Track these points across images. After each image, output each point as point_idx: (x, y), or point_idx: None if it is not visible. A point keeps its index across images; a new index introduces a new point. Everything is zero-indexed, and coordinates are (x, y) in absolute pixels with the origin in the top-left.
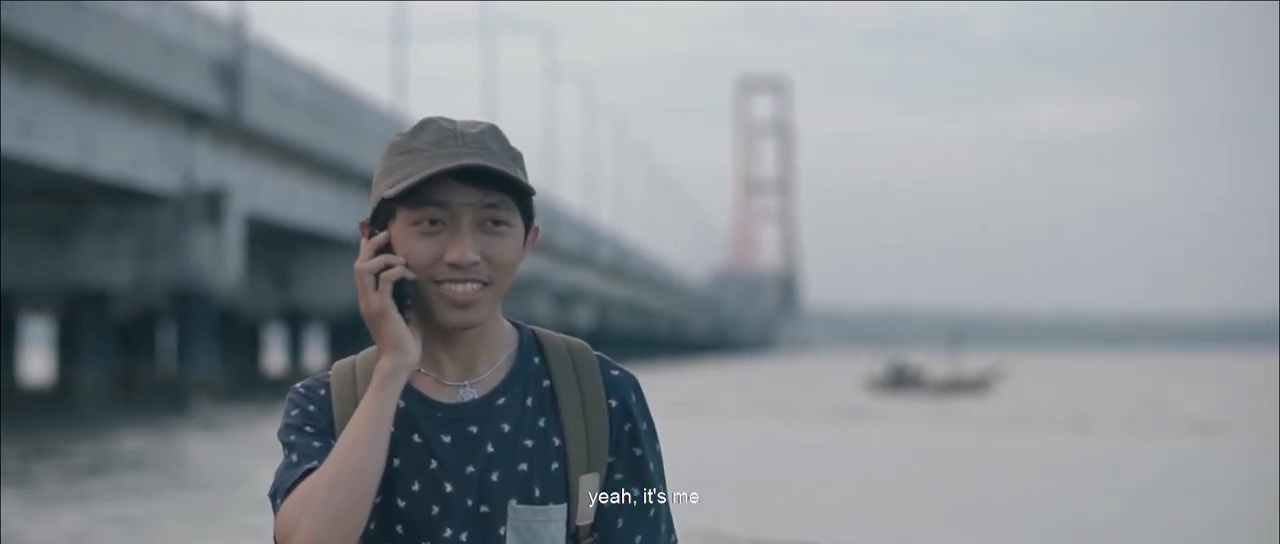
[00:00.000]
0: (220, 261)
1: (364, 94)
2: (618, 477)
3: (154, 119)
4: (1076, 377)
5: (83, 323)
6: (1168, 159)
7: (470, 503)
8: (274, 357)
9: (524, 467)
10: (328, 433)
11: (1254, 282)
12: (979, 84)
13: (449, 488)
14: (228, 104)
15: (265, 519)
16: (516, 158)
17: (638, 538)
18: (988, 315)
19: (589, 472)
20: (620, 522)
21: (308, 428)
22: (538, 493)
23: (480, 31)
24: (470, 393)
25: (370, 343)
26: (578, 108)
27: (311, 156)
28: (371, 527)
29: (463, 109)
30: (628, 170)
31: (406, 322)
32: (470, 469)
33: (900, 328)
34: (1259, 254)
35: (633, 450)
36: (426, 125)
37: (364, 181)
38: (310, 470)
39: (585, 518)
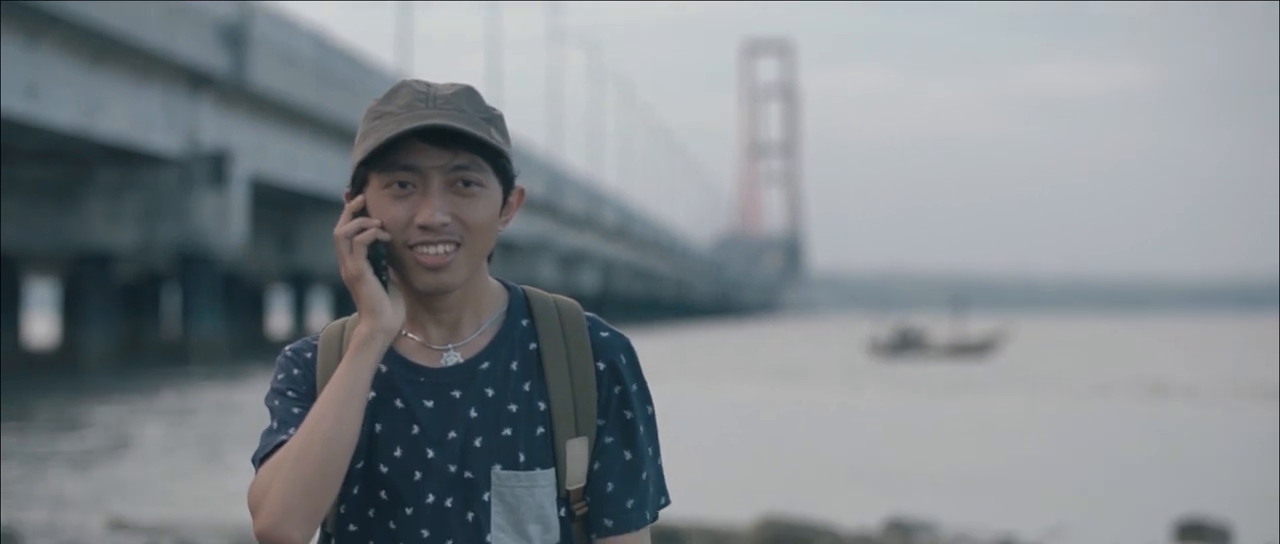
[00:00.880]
0: (224, 224)
1: (369, 56)
2: (608, 440)
3: (158, 81)
4: (1080, 340)
5: (87, 285)
6: (1173, 121)
7: (453, 469)
8: (278, 319)
9: (508, 432)
10: (309, 397)
11: (1260, 244)
12: (983, 47)
13: (431, 454)
14: (232, 66)
15: None
16: (493, 119)
17: (629, 502)
18: (992, 278)
19: (577, 436)
20: (611, 485)
21: (290, 392)
22: (523, 458)
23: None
24: (454, 357)
25: None
26: (583, 71)
27: (316, 119)
28: (355, 492)
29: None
30: (633, 134)
31: (385, 285)
32: (452, 434)
33: (904, 291)
34: (1265, 216)
35: (623, 413)
36: (400, 89)
37: None
38: (287, 439)
39: (575, 482)
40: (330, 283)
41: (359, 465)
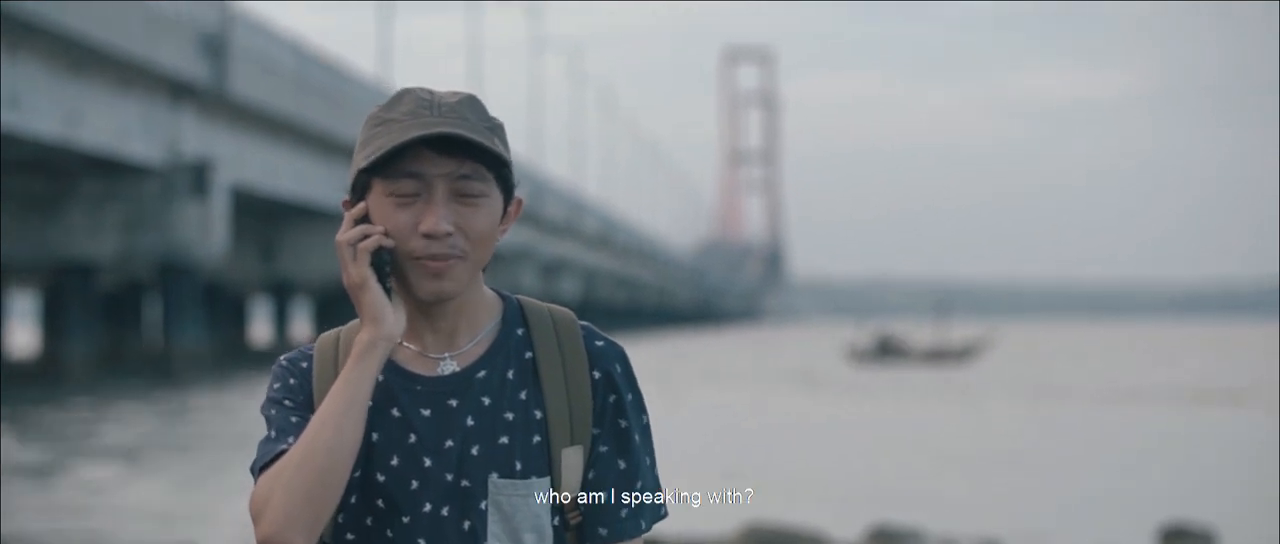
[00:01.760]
0: (206, 233)
1: (349, 65)
2: (603, 449)
3: (139, 91)
4: (1064, 346)
5: (68, 296)
6: (1160, 128)
7: (450, 477)
8: (260, 328)
9: (504, 440)
10: (306, 407)
11: (1247, 251)
12: (968, 52)
13: (428, 462)
14: (213, 76)
15: None
16: (495, 128)
17: (623, 511)
18: (977, 285)
19: (572, 445)
20: (605, 495)
21: (287, 402)
22: (519, 467)
23: (466, 2)
24: (450, 366)
25: (355, 315)
26: (564, 79)
27: (297, 128)
28: (352, 500)
29: (448, 80)
30: (614, 141)
31: (388, 292)
32: (449, 443)
33: (887, 297)
34: (1254, 223)
35: (618, 422)
36: (404, 96)
37: (349, 153)
38: (287, 448)
39: (570, 491)
40: (312, 292)
41: (356, 474)
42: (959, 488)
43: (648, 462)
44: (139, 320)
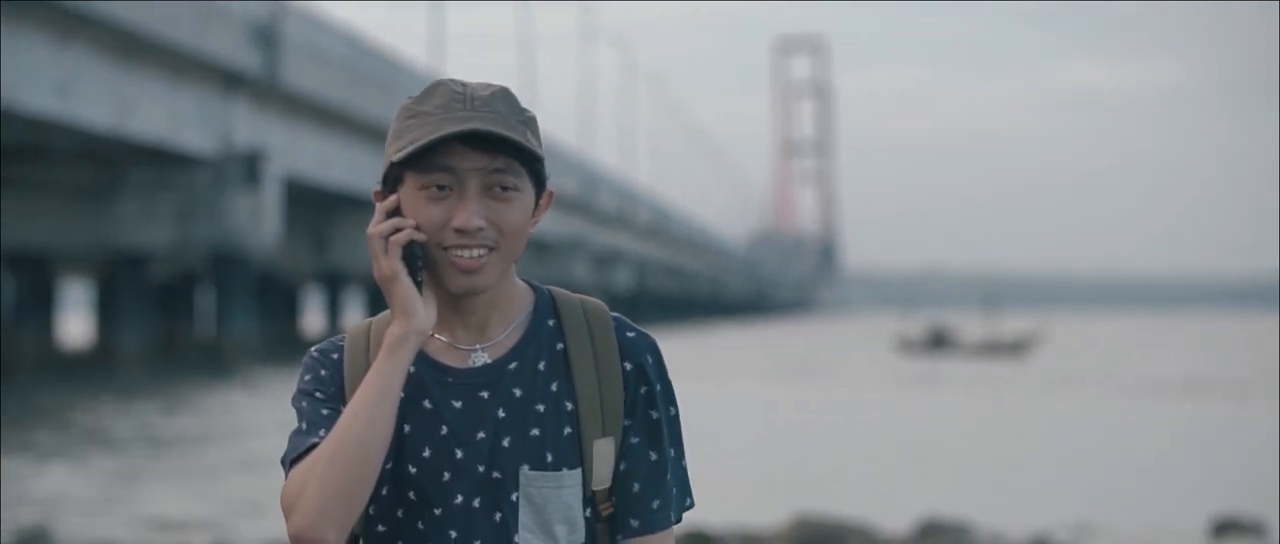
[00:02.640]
0: (258, 224)
1: (400, 55)
2: (634, 440)
3: (191, 81)
4: (1117, 339)
5: (122, 286)
6: (1210, 118)
7: (481, 469)
8: (313, 318)
9: (536, 432)
10: (337, 398)
11: None
12: (1015, 45)
13: (459, 454)
14: (265, 66)
15: None
16: (528, 122)
17: (655, 502)
18: (1027, 276)
19: (604, 436)
20: (636, 486)
21: (318, 393)
22: (550, 458)
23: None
24: (482, 357)
25: None
26: (615, 69)
27: (349, 118)
28: (384, 492)
29: (499, 71)
30: (665, 132)
31: (419, 285)
32: (481, 435)
33: (938, 289)
34: None
35: (649, 413)
36: (437, 88)
37: None
38: (318, 441)
39: (601, 483)
40: (364, 282)
41: (387, 466)
42: (1010, 480)
43: (675, 453)
44: (191, 311)
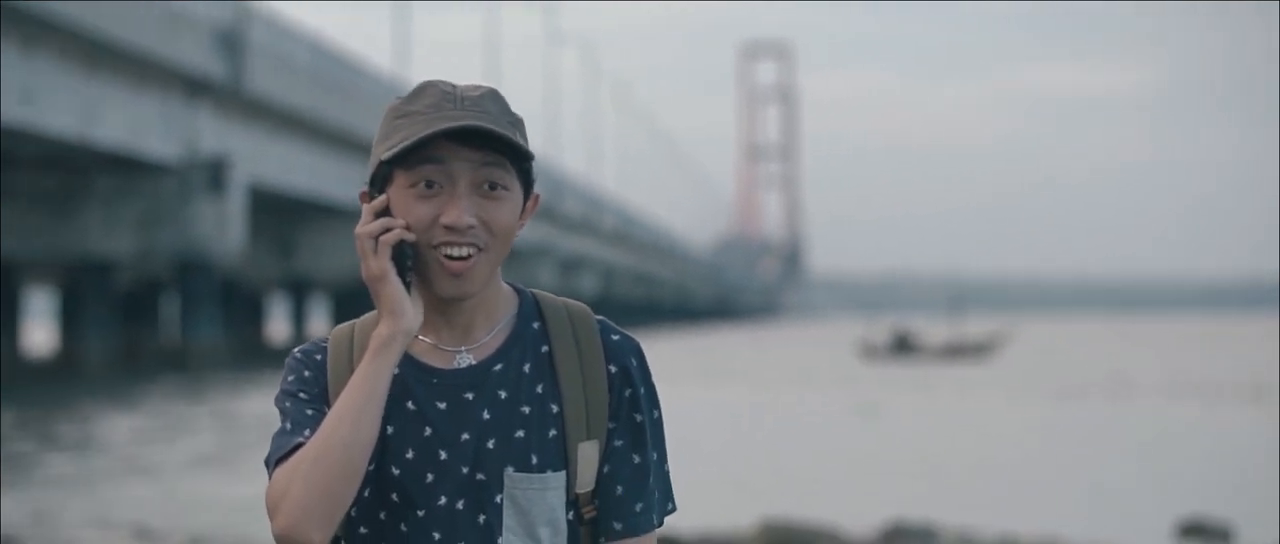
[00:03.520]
0: (223, 230)
1: (365, 61)
2: (617, 443)
3: (155, 88)
4: (1080, 341)
5: (86, 293)
6: (1174, 122)
7: (465, 471)
8: (277, 325)
9: (521, 434)
10: (321, 399)
11: (1263, 244)
12: (982, 48)
13: (443, 455)
14: (229, 72)
15: None
16: (516, 123)
17: (638, 505)
18: (995, 280)
19: (588, 439)
20: (619, 489)
21: (302, 394)
22: (535, 460)
23: (481, 1)
24: (467, 359)
25: (373, 309)
26: (580, 75)
27: (314, 125)
28: (366, 494)
29: (464, 75)
30: (631, 138)
31: (407, 286)
32: (465, 436)
33: (905, 293)
34: (1269, 216)
35: (633, 417)
36: (426, 88)
37: (366, 149)
38: (303, 442)
39: (585, 485)
40: (329, 289)
41: (371, 467)
42: (975, 484)
43: (658, 456)
44: (156, 318)
